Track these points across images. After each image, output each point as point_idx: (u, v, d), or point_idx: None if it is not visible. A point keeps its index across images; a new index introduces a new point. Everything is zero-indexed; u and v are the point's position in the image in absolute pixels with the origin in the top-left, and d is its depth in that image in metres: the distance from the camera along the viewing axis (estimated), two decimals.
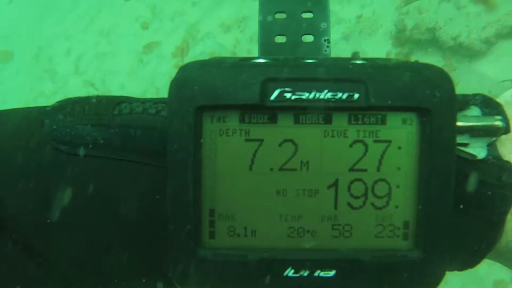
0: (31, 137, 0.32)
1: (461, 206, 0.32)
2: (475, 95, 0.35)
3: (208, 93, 0.29)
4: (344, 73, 0.30)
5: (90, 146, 0.31)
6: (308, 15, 0.36)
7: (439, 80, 0.30)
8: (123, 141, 0.32)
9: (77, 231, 0.31)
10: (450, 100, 0.30)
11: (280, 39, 0.36)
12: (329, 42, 0.36)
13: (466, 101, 0.34)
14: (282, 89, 0.29)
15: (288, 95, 0.29)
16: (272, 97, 0.29)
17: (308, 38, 0.36)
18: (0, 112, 0.35)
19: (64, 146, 0.31)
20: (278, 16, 0.36)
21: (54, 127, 0.32)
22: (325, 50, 0.36)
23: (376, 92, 0.30)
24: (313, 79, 0.30)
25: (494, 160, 0.33)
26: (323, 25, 0.36)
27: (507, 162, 0.33)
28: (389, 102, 0.30)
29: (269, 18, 0.36)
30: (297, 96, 0.29)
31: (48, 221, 0.31)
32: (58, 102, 0.34)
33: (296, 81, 0.29)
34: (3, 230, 0.31)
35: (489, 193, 0.32)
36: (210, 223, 0.31)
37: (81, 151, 0.31)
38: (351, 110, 0.30)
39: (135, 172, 0.32)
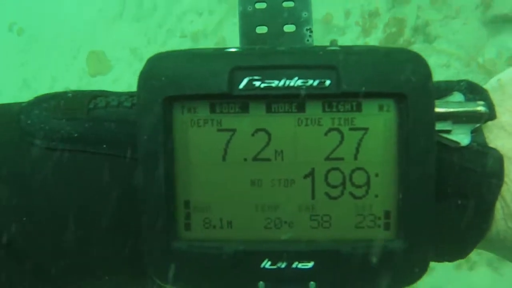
0: (7, 132, 0.32)
1: (446, 195, 0.31)
2: (460, 81, 0.34)
3: (175, 83, 0.29)
4: (314, 59, 0.29)
5: (64, 140, 0.32)
6: (289, 4, 0.36)
7: (415, 64, 0.29)
8: (98, 135, 0.32)
9: (52, 225, 0.32)
10: (426, 85, 0.29)
11: (261, 30, 0.36)
12: (311, 32, 0.36)
13: (450, 88, 0.33)
14: (251, 78, 0.29)
15: (257, 83, 0.29)
16: (241, 86, 0.29)
17: (290, 28, 0.36)
18: None
19: (38, 140, 0.32)
20: (258, 6, 0.36)
21: (29, 122, 0.32)
22: (307, 40, 0.36)
23: (348, 78, 0.29)
24: (283, 67, 0.29)
25: (479, 147, 0.31)
26: (304, 14, 0.36)
27: (493, 149, 0.31)
28: (362, 88, 0.29)
29: (249, 8, 0.36)
30: (266, 84, 0.29)
31: (24, 218, 0.31)
32: (35, 97, 0.34)
33: (265, 69, 0.29)
34: None
35: (475, 181, 0.31)
36: (186, 215, 0.31)
37: (55, 145, 0.32)
38: (324, 97, 0.30)
39: (110, 165, 0.32)
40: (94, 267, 0.33)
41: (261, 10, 0.36)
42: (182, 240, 0.31)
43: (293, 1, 0.36)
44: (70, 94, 0.34)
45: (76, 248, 0.32)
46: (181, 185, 0.30)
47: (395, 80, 0.29)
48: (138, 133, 0.29)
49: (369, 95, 0.29)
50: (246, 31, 0.35)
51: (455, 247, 0.33)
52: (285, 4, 0.36)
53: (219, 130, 0.30)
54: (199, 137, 0.30)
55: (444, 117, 0.31)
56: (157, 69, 0.29)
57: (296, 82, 0.29)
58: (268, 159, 0.30)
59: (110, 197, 0.32)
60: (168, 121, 0.30)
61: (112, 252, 0.33)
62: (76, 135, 0.32)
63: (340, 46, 0.31)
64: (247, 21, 0.36)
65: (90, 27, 2.76)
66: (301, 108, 0.30)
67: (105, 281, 0.34)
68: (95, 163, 0.32)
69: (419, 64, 0.29)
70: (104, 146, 0.32)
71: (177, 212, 0.31)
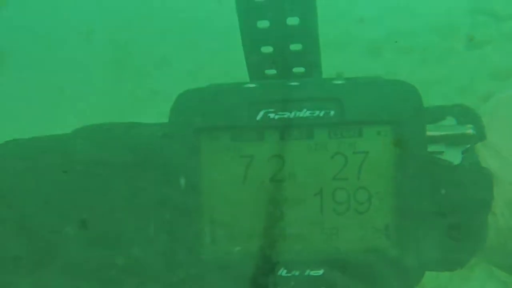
0: None
1: (440, 210, 0.35)
2: (453, 106, 0.38)
3: (203, 117, 0.34)
4: (320, 93, 0.34)
5: None
6: (297, 46, 0.39)
7: (408, 95, 0.34)
8: None
9: None
10: (418, 113, 0.34)
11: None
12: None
13: (444, 111, 0.37)
14: (266, 111, 0.34)
15: (271, 115, 0.34)
16: (258, 118, 0.34)
17: (299, 69, 0.39)
18: None
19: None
20: (264, 50, 0.38)
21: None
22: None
23: (350, 109, 0.34)
24: (294, 100, 0.34)
25: (471, 166, 0.35)
26: (313, 58, 0.40)
27: (484, 168, 0.35)
28: (362, 117, 0.34)
29: (256, 55, 0.38)
30: (279, 116, 0.34)
31: None
32: (77, 129, 0.39)
33: (278, 103, 0.34)
34: None
35: (467, 197, 0.35)
36: (211, 230, 0.36)
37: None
38: (330, 126, 0.34)
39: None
40: None
41: (268, 54, 0.38)
42: (209, 253, 0.35)
43: (301, 44, 0.38)
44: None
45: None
46: (207, 204, 0.35)
47: (391, 109, 0.34)
48: (171, 159, 0.34)
49: (368, 123, 0.34)
50: (256, 75, 0.39)
51: (452, 258, 0.37)
52: (292, 47, 0.38)
53: (239, 156, 0.35)
54: (222, 162, 0.35)
55: (437, 139, 0.35)
56: (187, 104, 0.35)
57: (305, 113, 0.34)
58: (282, 180, 0.35)
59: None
60: (196, 149, 0.35)
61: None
62: None
63: (344, 79, 0.36)
64: (255, 66, 0.39)
65: None
66: (310, 135, 0.35)
67: None
68: None
69: (412, 95, 0.34)
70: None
71: (203, 228, 0.35)
